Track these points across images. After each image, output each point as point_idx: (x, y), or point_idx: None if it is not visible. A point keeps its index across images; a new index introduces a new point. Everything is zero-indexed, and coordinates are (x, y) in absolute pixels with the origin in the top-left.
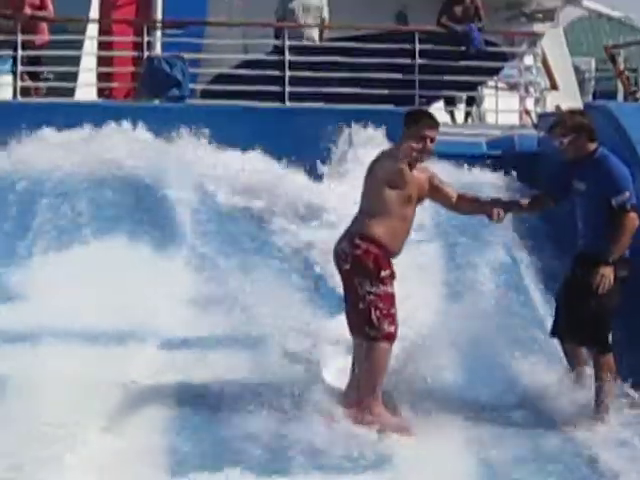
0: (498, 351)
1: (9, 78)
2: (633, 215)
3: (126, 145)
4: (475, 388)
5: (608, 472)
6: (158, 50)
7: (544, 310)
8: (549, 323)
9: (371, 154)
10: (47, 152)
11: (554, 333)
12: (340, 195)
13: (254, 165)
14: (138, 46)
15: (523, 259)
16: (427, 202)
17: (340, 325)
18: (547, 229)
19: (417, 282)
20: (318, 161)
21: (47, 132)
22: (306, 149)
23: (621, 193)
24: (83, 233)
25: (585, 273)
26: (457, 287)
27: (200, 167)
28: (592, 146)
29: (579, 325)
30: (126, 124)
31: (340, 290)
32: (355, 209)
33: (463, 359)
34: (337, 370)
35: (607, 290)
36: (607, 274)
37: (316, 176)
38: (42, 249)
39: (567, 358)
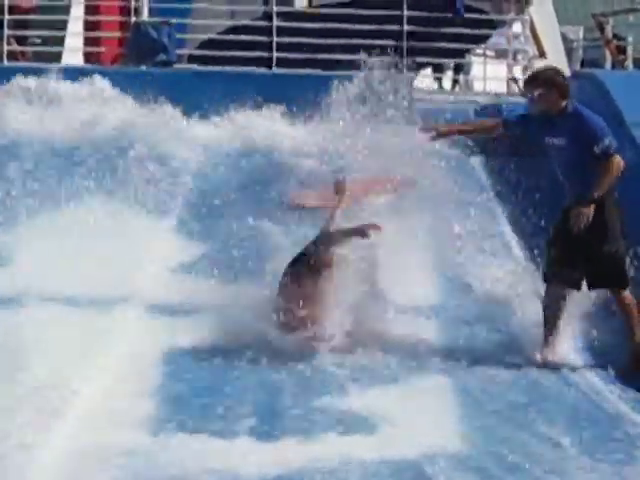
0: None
1: None
2: (617, 159)
3: (111, 109)
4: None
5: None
6: (145, 15)
7: None
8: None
9: None
10: (29, 114)
11: (546, 278)
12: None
13: (238, 129)
14: (125, 11)
15: None
16: None
17: None
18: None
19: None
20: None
21: (31, 95)
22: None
23: (602, 140)
24: (64, 196)
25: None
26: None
27: (182, 131)
28: (563, 103)
29: (601, 268)
30: (111, 88)
31: None
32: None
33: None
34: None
35: (617, 231)
36: (584, 212)
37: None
38: (23, 213)
39: (549, 301)
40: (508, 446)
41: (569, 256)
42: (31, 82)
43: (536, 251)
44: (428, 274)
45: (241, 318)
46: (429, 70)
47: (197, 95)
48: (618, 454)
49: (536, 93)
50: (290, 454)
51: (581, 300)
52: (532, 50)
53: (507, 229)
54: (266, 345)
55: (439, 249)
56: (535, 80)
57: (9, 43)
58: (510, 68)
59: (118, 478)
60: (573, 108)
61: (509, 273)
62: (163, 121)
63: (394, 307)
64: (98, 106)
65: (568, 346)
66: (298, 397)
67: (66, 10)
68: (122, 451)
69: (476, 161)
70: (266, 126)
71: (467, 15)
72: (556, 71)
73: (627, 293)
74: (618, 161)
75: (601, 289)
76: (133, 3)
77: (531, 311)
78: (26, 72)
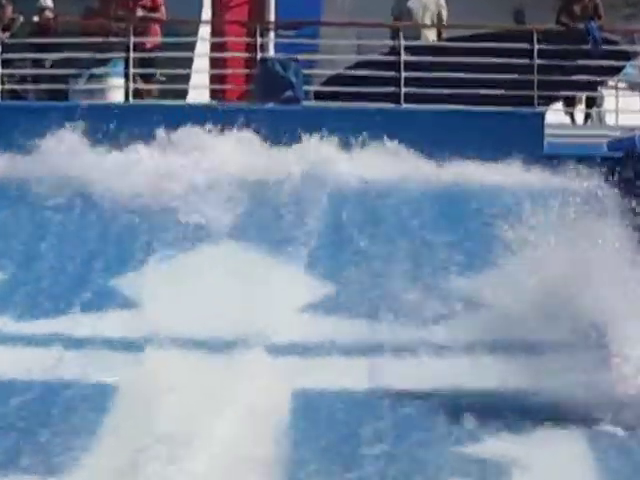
0: None
1: (121, 81)
2: None
3: (241, 149)
4: None
5: None
6: (271, 52)
7: None
8: None
9: None
10: (158, 156)
11: None
12: None
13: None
14: (251, 48)
15: None
16: None
17: None
18: None
19: None
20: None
21: (158, 135)
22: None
23: None
24: (194, 238)
25: None
26: None
27: (320, 170)
28: None
29: None
30: (239, 127)
31: None
32: None
33: None
34: None
35: None
36: None
37: None
38: (155, 255)
39: None
40: None
41: None
42: (156, 121)
43: None
44: None
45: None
46: (560, 104)
47: (327, 131)
48: None
49: None
50: None
51: None
52: None
53: None
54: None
55: None
56: None
57: (135, 81)
58: None
59: None
60: None
61: None
62: (294, 158)
63: None
64: (225, 145)
65: None
66: (436, 445)
67: (191, 47)
68: None
69: None
70: (394, 166)
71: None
72: None
73: None
74: None
75: None
76: (259, 40)
77: None
78: (151, 110)
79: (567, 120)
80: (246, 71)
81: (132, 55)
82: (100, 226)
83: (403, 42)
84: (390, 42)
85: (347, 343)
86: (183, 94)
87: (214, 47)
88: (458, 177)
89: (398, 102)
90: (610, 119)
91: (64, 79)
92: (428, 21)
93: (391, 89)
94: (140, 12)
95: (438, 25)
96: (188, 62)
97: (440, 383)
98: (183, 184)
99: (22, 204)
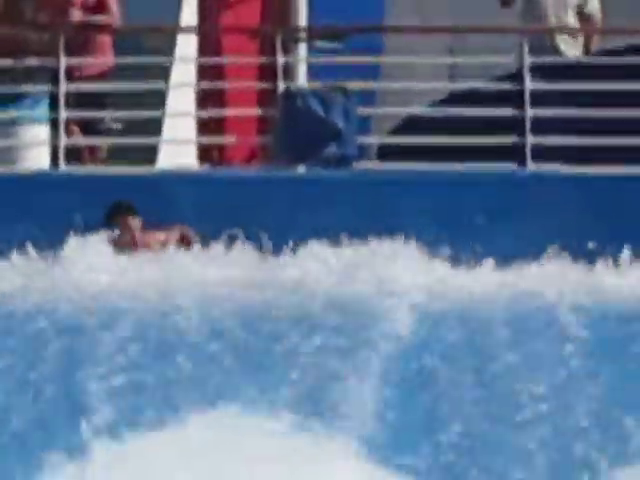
0: None
1: (45, 131)
2: None
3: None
4: None
5: None
6: (302, 78)
7: None
8: None
9: None
10: (110, 267)
11: None
12: None
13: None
14: (267, 72)
15: None
16: None
17: None
18: None
19: None
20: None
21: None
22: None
23: None
24: (178, 404)
25: None
26: None
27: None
28: None
29: None
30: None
31: None
32: None
33: None
34: None
35: None
36: None
37: None
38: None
39: None
40: None
41: None
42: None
43: None
44: None
45: None
46: None
47: (395, 217)
48: None
49: None
50: None
51: None
52: None
53: None
54: None
55: None
56: None
57: (69, 132)
58: None
59: None
60: None
61: None
62: (351, 269)
63: None
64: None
65: None
66: None
67: (165, 73)
68: None
69: None
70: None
71: None
72: None
73: None
74: None
75: None
76: (280, 58)
77: None
78: (99, 185)
79: None
80: (260, 112)
81: (63, 88)
82: None
83: (528, 58)
84: (506, 59)
85: None
86: (151, 155)
87: (204, 72)
88: None
89: (522, 161)
90: None
91: None
92: (570, 21)
93: (509, 139)
94: (77, 14)
95: (585, 28)
96: (160, 99)
97: None
98: None
99: None
